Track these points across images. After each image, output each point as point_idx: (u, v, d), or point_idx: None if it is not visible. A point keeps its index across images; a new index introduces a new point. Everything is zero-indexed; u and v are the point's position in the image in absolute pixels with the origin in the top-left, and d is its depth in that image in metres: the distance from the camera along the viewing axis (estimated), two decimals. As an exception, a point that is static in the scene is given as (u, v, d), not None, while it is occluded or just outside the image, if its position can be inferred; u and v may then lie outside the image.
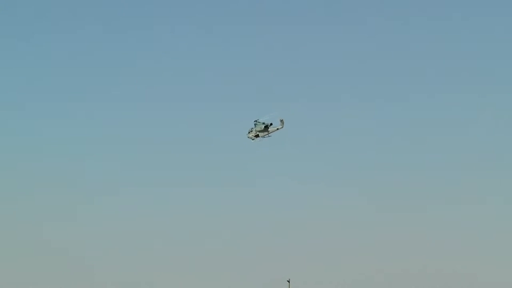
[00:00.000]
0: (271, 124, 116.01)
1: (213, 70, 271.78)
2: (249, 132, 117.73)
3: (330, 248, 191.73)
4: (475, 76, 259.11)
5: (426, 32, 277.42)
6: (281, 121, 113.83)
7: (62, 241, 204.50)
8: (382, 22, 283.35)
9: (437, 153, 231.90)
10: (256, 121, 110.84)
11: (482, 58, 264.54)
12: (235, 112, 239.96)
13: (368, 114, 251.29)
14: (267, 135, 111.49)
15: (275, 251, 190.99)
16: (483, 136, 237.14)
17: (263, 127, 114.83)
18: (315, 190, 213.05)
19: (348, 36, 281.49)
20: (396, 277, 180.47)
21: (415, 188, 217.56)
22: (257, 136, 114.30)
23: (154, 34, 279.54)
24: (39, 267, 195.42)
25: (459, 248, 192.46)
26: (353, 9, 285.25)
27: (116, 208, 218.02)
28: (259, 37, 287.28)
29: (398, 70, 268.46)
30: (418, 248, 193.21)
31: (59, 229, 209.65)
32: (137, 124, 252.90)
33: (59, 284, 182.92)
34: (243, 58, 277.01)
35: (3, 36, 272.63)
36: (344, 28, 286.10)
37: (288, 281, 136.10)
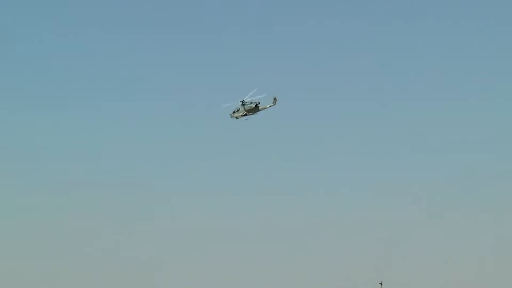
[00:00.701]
0: (259, 103, 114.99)
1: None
2: (234, 112, 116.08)
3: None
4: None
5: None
6: (274, 99, 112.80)
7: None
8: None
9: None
10: (243, 100, 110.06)
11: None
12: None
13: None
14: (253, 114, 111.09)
15: (366, 252, 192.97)
16: None
17: (253, 106, 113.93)
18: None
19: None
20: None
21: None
22: (244, 115, 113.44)
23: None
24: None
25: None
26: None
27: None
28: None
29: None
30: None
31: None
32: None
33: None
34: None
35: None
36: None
37: (381, 284, 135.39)
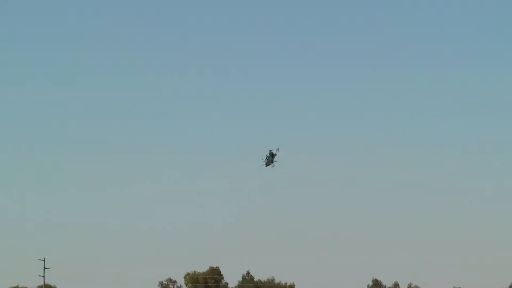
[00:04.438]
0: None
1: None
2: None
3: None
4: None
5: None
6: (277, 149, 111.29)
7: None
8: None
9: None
10: (270, 151, 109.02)
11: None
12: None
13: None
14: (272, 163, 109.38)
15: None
16: None
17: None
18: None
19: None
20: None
21: None
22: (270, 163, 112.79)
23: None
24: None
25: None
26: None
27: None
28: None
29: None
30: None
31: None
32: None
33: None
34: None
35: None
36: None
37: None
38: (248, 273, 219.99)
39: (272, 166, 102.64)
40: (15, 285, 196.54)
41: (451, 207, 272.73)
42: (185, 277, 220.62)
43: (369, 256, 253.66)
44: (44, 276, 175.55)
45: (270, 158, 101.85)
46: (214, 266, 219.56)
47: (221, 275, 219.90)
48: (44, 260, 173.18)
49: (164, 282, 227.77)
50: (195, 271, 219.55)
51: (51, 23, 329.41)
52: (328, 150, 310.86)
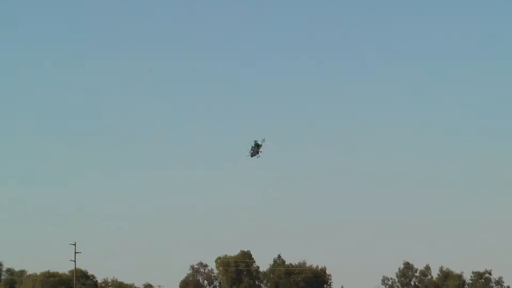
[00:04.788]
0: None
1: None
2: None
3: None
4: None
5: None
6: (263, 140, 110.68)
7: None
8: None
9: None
10: (256, 141, 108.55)
11: None
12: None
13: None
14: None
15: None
16: None
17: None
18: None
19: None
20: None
21: None
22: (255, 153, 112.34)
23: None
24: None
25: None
26: None
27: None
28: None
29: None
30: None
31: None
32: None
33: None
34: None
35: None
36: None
37: None
38: (279, 256, 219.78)
39: (258, 157, 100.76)
40: (46, 270, 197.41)
41: (485, 190, 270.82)
42: (216, 261, 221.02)
43: (400, 239, 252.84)
44: (75, 261, 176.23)
45: (256, 149, 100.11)
46: (245, 250, 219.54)
47: (252, 258, 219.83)
48: (75, 245, 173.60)
49: (196, 266, 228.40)
50: (226, 255, 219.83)
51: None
52: (362, 135, 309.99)
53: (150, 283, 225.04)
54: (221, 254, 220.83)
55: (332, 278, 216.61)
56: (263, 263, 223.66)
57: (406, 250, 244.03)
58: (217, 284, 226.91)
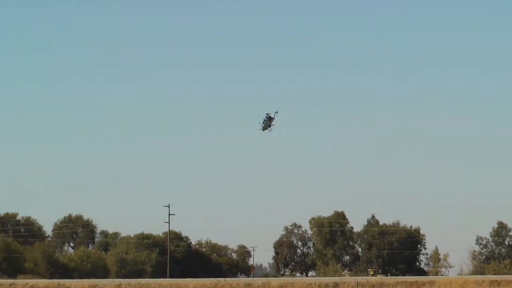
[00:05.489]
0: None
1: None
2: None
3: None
4: None
5: None
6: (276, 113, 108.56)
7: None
8: None
9: None
10: (268, 114, 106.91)
11: None
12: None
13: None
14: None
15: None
16: None
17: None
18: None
19: None
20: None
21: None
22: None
23: None
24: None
25: None
26: None
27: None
28: None
29: None
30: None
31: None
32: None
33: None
34: None
35: None
36: None
37: None
38: (373, 217, 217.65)
39: (270, 131, 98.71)
40: (140, 231, 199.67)
41: None
42: (310, 222, 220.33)
43: (494, 198, 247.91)
44: (169, 223, 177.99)
45: (268, 122, 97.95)
46: (339, 211, 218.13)
47: (346, 219, 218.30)
48: (169, 207, 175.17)
49: (289, 227, 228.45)
50: (320, 216, 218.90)
51: None
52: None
53: (244, 244, 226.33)
54: (315, 214, 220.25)
55: (426, 239, 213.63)
56: (357, 223, 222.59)
57: (500, 209, 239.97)
58: (311, 245, 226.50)
